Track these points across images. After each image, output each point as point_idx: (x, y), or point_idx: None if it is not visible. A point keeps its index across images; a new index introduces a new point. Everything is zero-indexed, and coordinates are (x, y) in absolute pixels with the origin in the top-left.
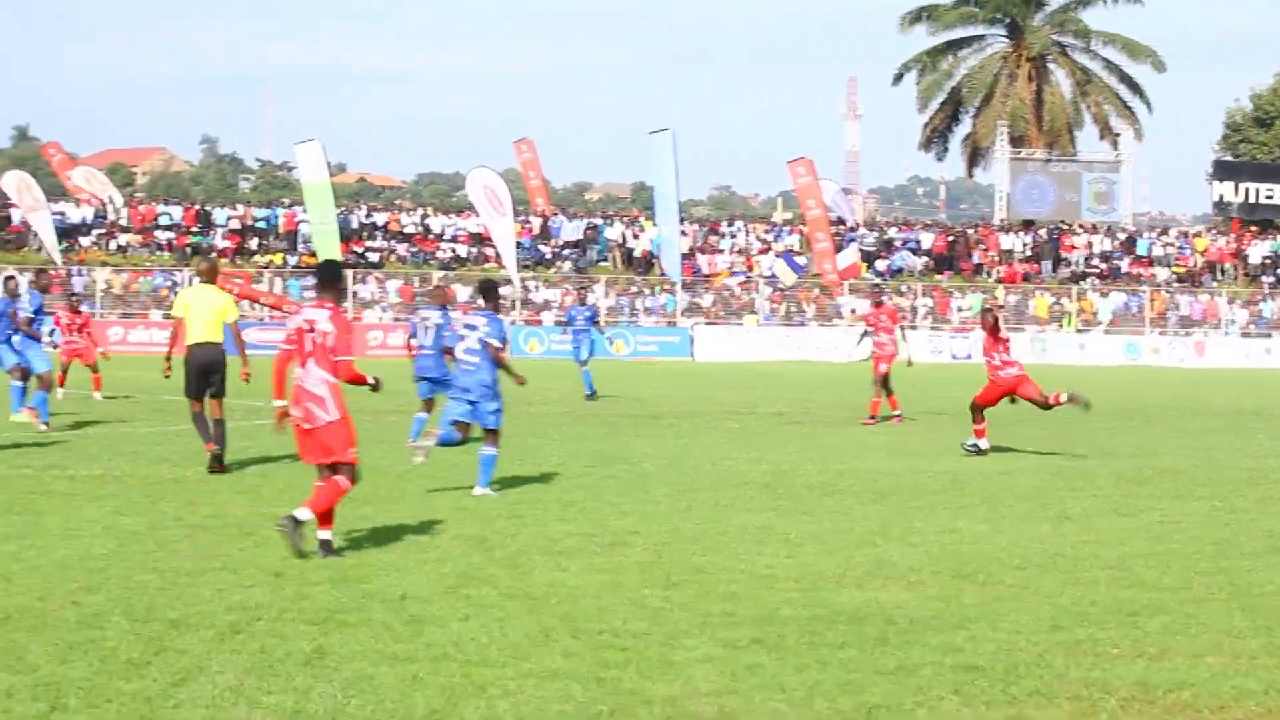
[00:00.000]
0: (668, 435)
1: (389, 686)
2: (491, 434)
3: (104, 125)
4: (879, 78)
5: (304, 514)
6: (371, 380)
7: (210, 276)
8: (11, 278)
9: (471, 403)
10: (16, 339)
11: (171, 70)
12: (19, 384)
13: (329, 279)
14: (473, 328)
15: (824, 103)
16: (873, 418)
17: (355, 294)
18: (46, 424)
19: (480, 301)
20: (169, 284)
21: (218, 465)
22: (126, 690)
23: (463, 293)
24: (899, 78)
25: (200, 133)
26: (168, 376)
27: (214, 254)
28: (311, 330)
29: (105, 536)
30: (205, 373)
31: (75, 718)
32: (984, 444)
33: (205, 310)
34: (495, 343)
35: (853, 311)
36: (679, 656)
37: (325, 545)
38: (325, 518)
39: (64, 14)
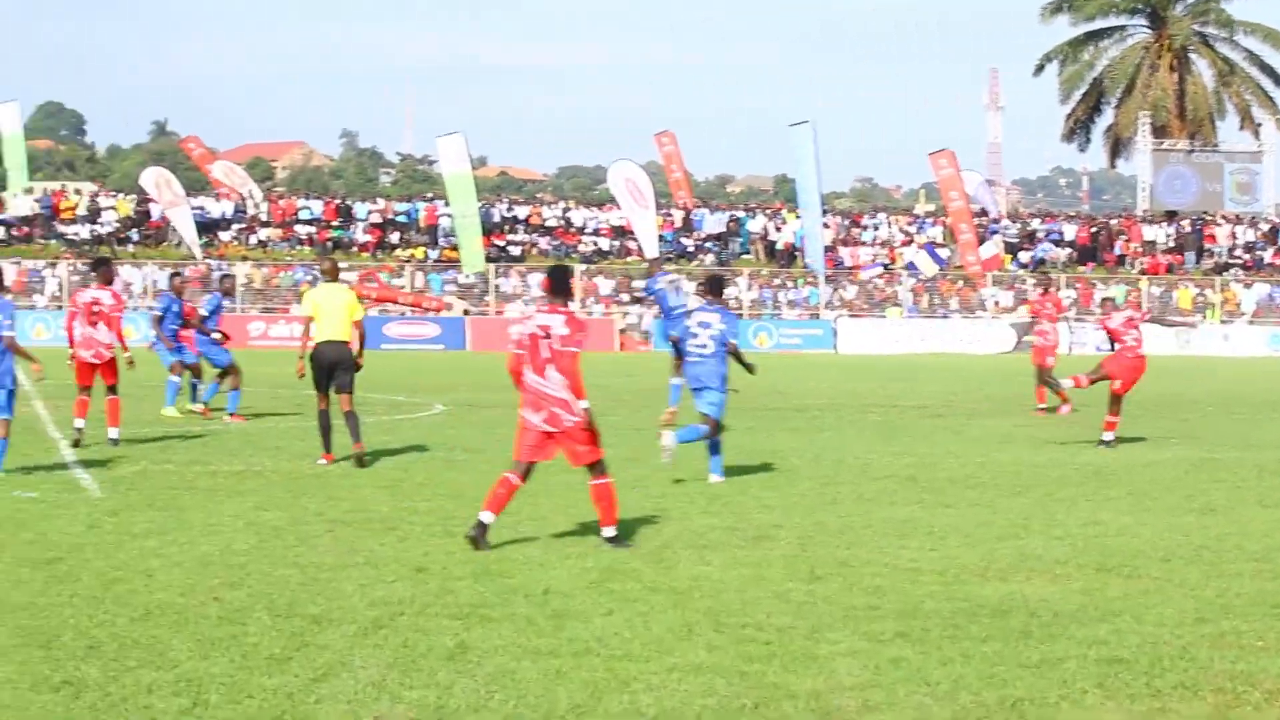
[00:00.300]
0: (811, 428)
1: (531, 681)
2: (710, 422)
3: (243, 120)
4: (1021, 69)
5: (609, 531)
6: (586, 405)
7: (334, 275)
8: (178, 274)
9: (696, 390)
10: (187, 334)
11: (311, 64)
12: (176, 380)
13: (561, 284)
14: (706, 325)
15: (966, 94)
16: (1065, 402)
17: (497, 288)
18: (232, 414)
19: (708, 296)
20: (310, 278)
21: (326, 459)
22: (268, 685)
23: (605, 286)
24: (1040, 69)
25: (340, 126)
26: (302, 376)
27: (353, 246)
28: (547, 336)
29: (246, 532)
30: (332, 369)
31: (216, 713)
32: (1110, 436)
33: (333, 309)
34: (733, 341)
35: (996, 303)
36: (823, 650)
37: (614, 540)
38: (608, 515)
39: (202, 9)
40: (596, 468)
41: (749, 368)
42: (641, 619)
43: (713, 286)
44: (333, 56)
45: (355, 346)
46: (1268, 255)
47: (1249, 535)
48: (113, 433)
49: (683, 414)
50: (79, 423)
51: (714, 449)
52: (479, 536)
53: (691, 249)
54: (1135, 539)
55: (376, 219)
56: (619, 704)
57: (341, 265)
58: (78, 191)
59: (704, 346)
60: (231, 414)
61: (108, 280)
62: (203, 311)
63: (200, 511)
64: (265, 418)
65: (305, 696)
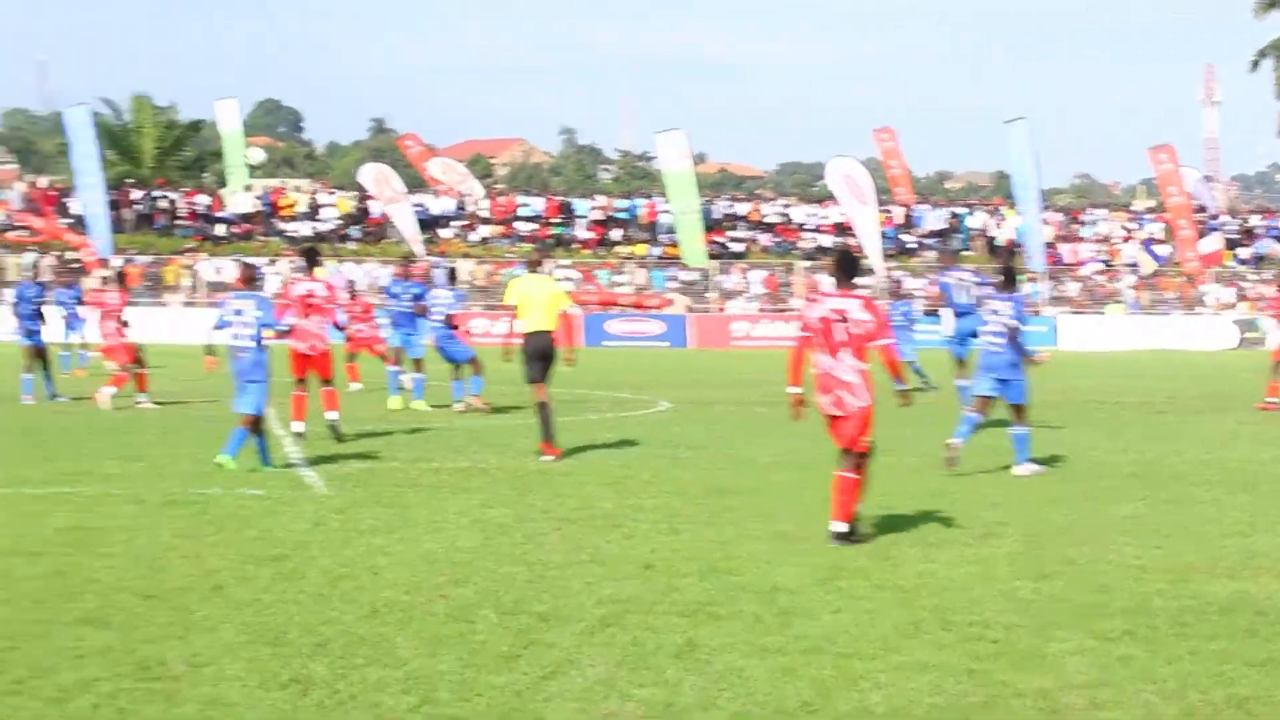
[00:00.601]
0: (1035, 425)
1: (760, 679)
2: (1018, 410)
3: (462, 116)
4: (1236, 65)
5: (840, 526)
6: (904, 387)
7: (537, 266)
8: (406, 259)
9: (1000, 380)
10: (427, 325)
11: (530, 60)
12: (395, 369)
13: (849, 268)
14: (996, 313)
15: (1181, 90)
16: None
17: (719, 284)
18: (477, 403)
19: (1001, 285)
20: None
21: (553, 453)
22: (497, 683)
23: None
24: (1255, 64)
25: (558, 123)
26: (507, 360)
27: (573, 243)
28: (843, 320)
29: (472, 529)
30: (538, 359)
31: (445, 711)
32: None
33: (538, 300)
34: (1013, 323)
35: (1217, 300)
36: (1051, 648)
37: (842, 536)
38: (846, 511)
39: (421, 5)
40: (856, 460)
41: (1029, 357)
42: (869, 617)
43: (1006, 277)
44: (552, 52)
45: (562, 339)
46: None
47: None
48: (331, 415)
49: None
50: (298, 426)
51: (1021, 440)
52: (841, 541)
53: (913, 245)
54: None
55: (598, 216)
56: (848, 702)
57: (564, 263)
58: (297, 189)
59: (998, 335)
60: (474, 395)
61: (317, 271)
62: (452, 312)
63: (425, 508)
64: (490, 414)
65: (534, 694)
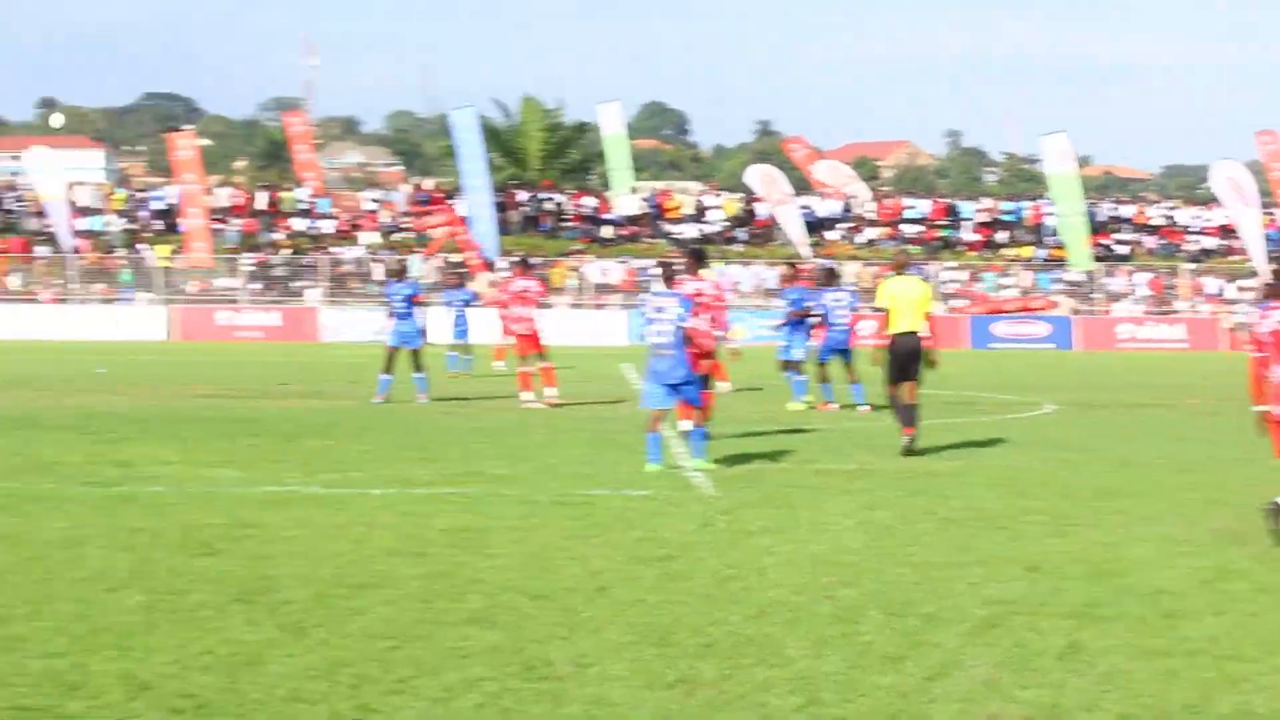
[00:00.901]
0: None
1: (1144, 681)
2: None
3: (848, 119)
4: None
5: None
6: None
7: (903, 268)
8: (790, 264)
9: None
10: (810, 326)
11: (915, 62)
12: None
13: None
14: None
15: None
16: None
17: (1105, 287)
18: (864, 410)
19: None
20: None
21: (912, 450)
22: (882, 684)
23: (1211, 285)
24: None
25: (943, 126)
26: (876, 364)
27: (959, 246)
28: None
29: (856, 530)
30: (907, 360)
31: (830, 711)
32: None
33: (907, 301)
34: None
35: None
36: None
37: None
38: None
39: (808, 8)
40: None
41: None
42: (1252, 619)
43: None
44: (937, 55)
45: (929, 339)
46: None
47: None
48: (689, 428)
49: None
50: (685, 425)
51: None
52: (1274, 513)
53: None
54: None
55: (983, 218)
56: (1230, 705)
57: (950, 265)
58: (684, 191)
59: None
60: (860, 403)
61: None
62: (855, 306)
63: (810, 510)
64: (871, 415)
65: (918, 695)
